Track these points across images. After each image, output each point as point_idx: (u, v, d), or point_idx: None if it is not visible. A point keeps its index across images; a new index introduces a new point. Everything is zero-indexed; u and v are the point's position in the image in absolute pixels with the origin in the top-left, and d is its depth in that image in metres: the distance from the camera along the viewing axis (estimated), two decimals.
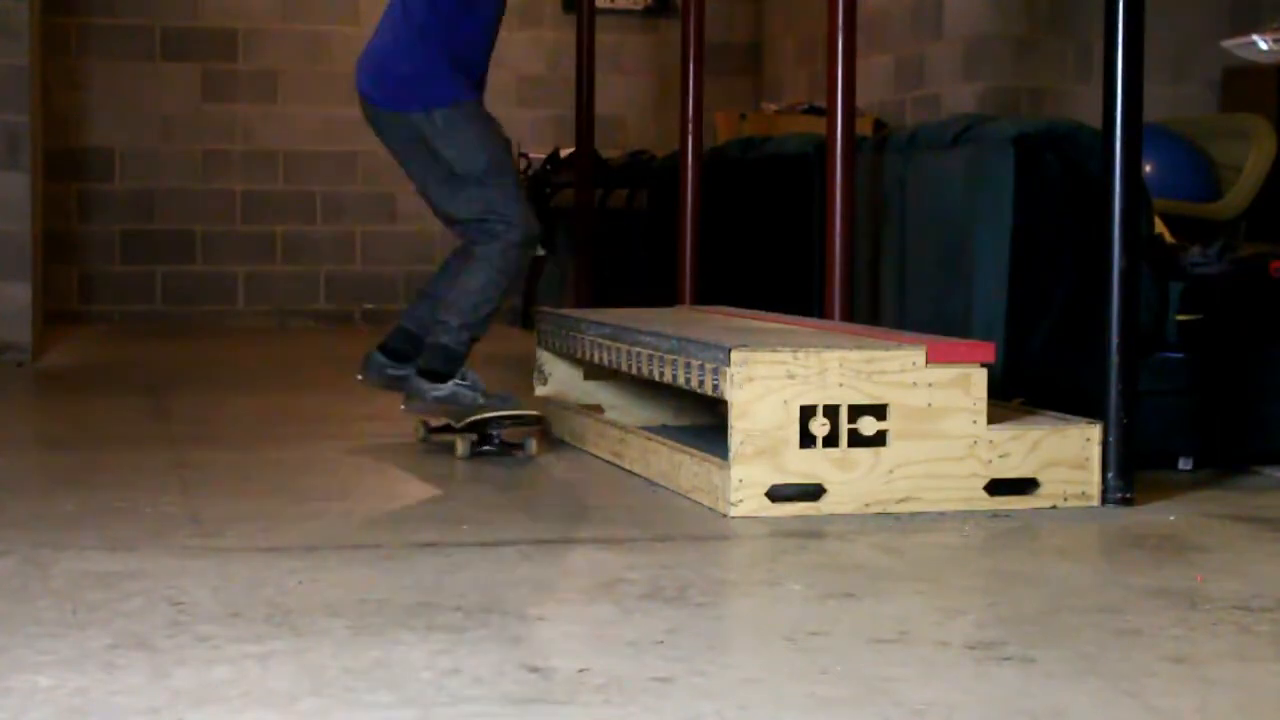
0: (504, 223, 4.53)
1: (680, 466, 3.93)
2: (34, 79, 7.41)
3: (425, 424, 4.81)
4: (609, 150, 9.17)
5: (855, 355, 3.71)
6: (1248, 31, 6.56)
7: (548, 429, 4.86)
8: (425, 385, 4.55)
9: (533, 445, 4.56)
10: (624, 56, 10.33)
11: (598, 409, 4.99)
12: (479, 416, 4.55)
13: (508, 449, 4.59)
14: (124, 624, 2.64)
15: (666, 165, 6.86)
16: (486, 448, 4.57)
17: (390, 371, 4.76)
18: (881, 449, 3.70)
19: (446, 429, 4.72)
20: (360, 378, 4.81)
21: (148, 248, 9.83)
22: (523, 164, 9.88)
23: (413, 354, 4.71)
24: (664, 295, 5.88)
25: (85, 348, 8.19)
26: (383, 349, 4.78)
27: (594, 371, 5.07)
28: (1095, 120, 4.01)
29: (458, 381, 4.56)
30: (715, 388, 3.74)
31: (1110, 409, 3.79)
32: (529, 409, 4.66)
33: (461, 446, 4.51)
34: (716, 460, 3.73)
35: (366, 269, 10.18)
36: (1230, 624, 2.72)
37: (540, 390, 5.17)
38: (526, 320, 8.46)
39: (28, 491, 4.01)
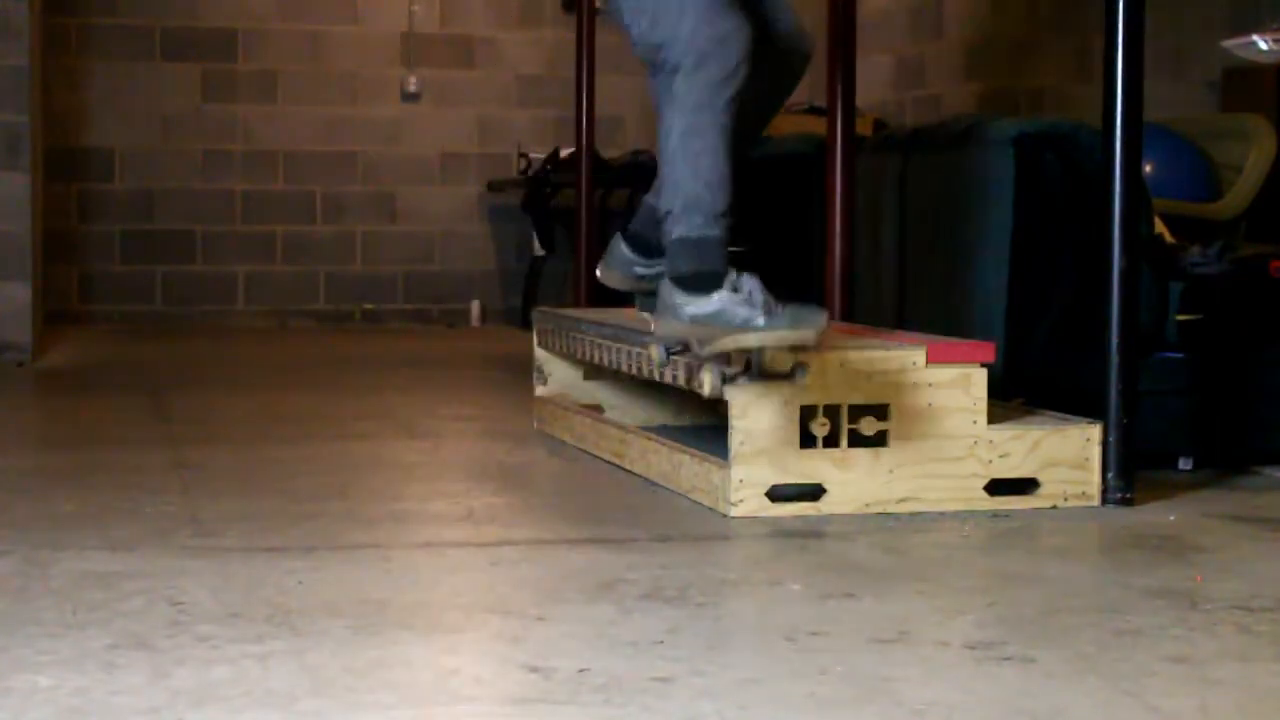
0: (670, 47, 3.42)
1: (680, 466, 3.92)
2: (34, 79, 7.41)
3: (665, 347, 3.73)
4: (609, 150, 9.17)
5: (855, 355, 3.71)
6: (1248, 31, 6.56)
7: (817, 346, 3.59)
8: (680, 298, 3.42)
9: (803, 376, 3.52)
10: (624, 56, 10.29)
11: (598, 409, 4.99)
12: (739, 346, 3.41)
13: (768, 378, 3.56)
14: (124, 624, 2.64)
15: None
16: (742, 378, 3.54)
17: (639, 270, 3.79)
18: (881, 449, 3.70)
19: (686, 349, 3.68)
20: (600, 273, 3.90)
21: (148, 248, 9.83)
22: (522, 164, 9.90)
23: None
24: None
25: (85, 348, 8.19)
26: (627, 235, 3.78)
27: (594, 371, 5.07)
28: (1095, 120, 4.01)
29: (727, 293, 3.37)
30: (715, 388, 3.74)
31: (1110, 409, 3.79)
32: (812, 326, 3.37)
33: (710, 381, 3.54)
34: (716, 460, 3.73)
35: (366, 269, 10.18)
36: (1230, 624, 2.72)
37: (540, 390, 5.17)
38: (526, 320, 8.45)
39: (28, 491, 4.01)
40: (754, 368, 3.50)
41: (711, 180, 3.38)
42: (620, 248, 3.78)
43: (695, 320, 3.38)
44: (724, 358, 3.53)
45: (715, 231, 3.39)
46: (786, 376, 3.48)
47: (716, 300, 3.35)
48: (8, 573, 3.03)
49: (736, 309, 3.34)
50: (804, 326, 3.33)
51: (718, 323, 3.36)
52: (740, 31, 3.37)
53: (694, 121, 3.37)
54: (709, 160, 3.37)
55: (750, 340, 3.34)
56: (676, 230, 3.41)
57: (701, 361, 3.54)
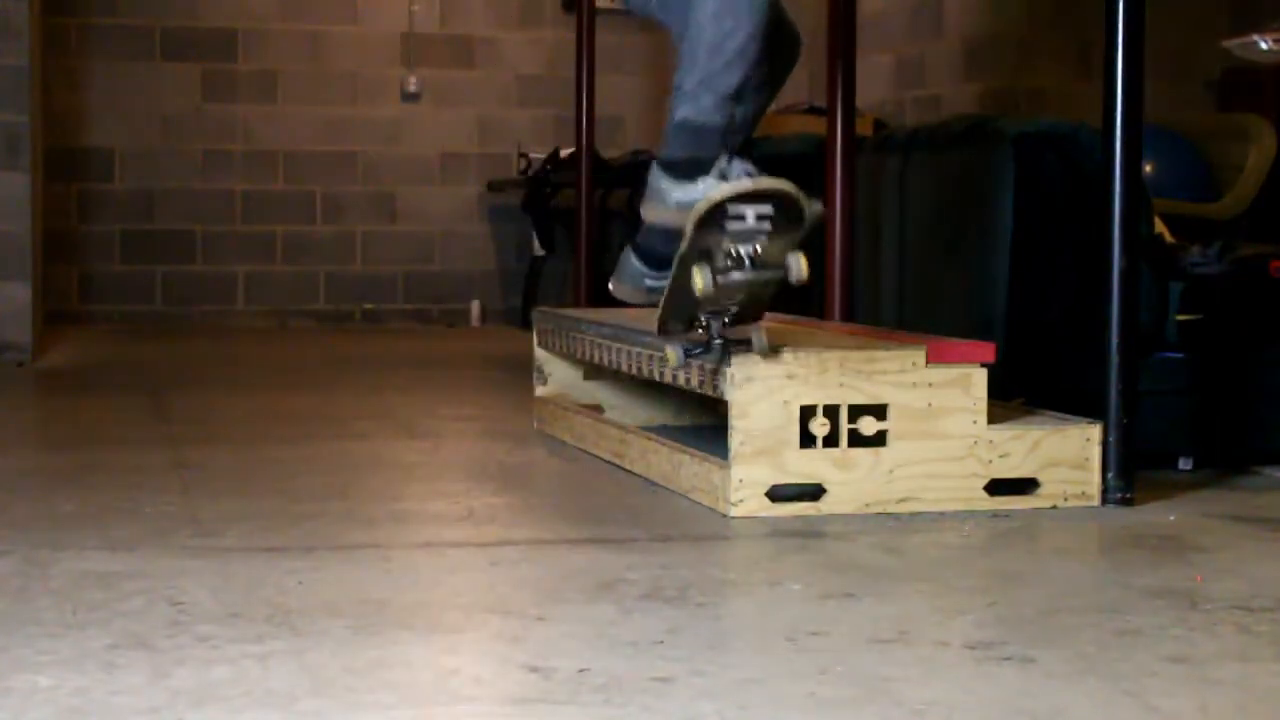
0: None
1: (680, 466, 3.92)
2: (34, 79, 7.41)
3: (685, 348, 3.42)
4: (609, 150, 9.17)
5: (855, 355, 3.71)
6: (1248, 31, 6.56)
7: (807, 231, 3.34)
8: (666, 183, 3.30)
9: (800, 264, 3.26)
10: (624, 56, 10.33)
11: (598, 409, 4.99)
12: (725, 195, 3.15)
13: (763, 273, 3.26)
14: (124, 624, 2.64)
15: None
16: (735, 275, 3.24)
17: (649, 283, 3.77)
18: (881, 449, 3.70)
19: (706, 348, 3.44)
20: (612, 286, 3.90)
21: (148, 248, 9.83)
22: (522, 164, 9.90)
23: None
24: None
25: (85, 348, 8.19)
26: (637, 247, 3.69)
27: (594, 371, 5.07)
28: (1095, 120, 4.01)
29: (715, 179, 3.26)
30: (715, 388, 3.74)
31: (1110, 409, 3.79)
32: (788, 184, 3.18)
33: (671, 353, 3.40)
34: (716, 460, 3.73)
35: (366, 269, 10.18)
36: (1230, 624, 2.72)
37: (540, 390, 5.17)
38: (526, 320, 8.45)
39: (28, 491, 4.01)
40: (748, 260, 3.22)
41: (732, 59, 3.21)
42: (631, 260, 3.71)
43: (681, 206, 3.27)
44: (687, 328, 3.40)
45: (719, 118, 3.25)
46: (780, 268, 3.26)
47: (703, 186, 3.25)
48: (8, 573, 3.03)
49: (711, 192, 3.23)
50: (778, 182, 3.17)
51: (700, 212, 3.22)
52: None
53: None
54: (737, 40, 3.21)
55: (722, 192, 3.16)
56: (681, 110, 3.28)
57: (686, 252, 3.24)
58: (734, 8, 3.21)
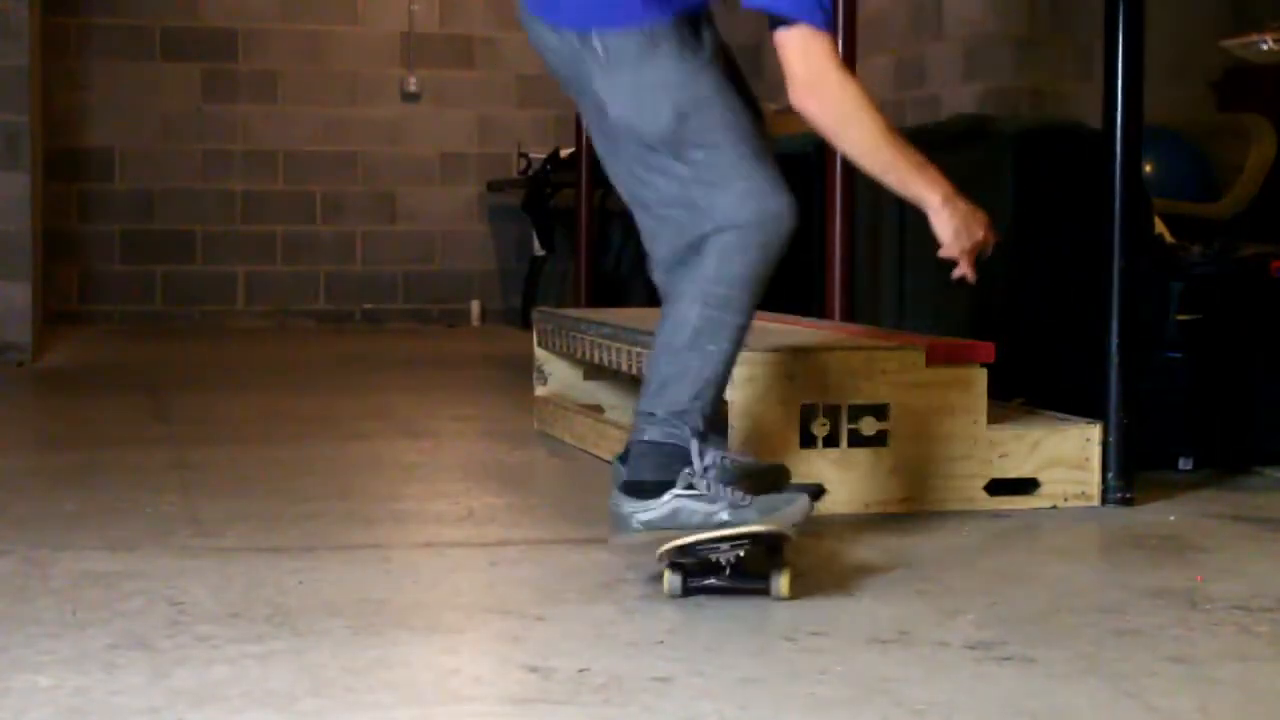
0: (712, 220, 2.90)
1: None
2: (34, 79, 7.41)
3: (681, 579, 2.93)
4: None
5: (855, 355, 3.71)
6: (1248, 31, 6.56)
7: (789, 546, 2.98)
8: (629, 506, 2.94)
9: (781, 583, 2.87)
10: None
11: (598, 409, 4.99)
12: (698, 543, 2.87)
13: (741, 582, 2.90)
14: (124, 624, 2.64)
15: None
16: (710, 581, 2.90)
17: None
18: (881, 449, 3.70)
19: (715, 567, 2.92)
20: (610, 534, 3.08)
21: (148, 248, 9.83)
22: (522, 164, 9.90)
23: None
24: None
25: (85, 348, 8.19)
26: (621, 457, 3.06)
27: (594, 371, 5.07)
28: (1095, 120, 4.01)
29: (680, 491, 2.90)
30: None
31: (1110, 409, 3.79)
32: (787, 517, 2.92)
33: (670, 581, 2.89)
34: None
35: (366, 269, 10.18)
36: (1230, 624, 2.72)
37: (540, 390, 5.17)
38: (526, 320, 8.45)
39: (28, 491, 4.01)
40: (724, 568, 2.88)
41: (715, 380, 2.94)
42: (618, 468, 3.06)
43: (649, 526, 2.90)
44: (685, 551, 2.89)
45: (694, 440, 2.92)
46: (761, 580, 2.88)
47: (669, 500, 2.89)
48: (8, 573, 3.03)
49: (694, 506, 2.89)
50: (775, 517, 2.87)
51: (673, 525, 2.89)
52: (792, 203, 2.94)
53: (716, 314, 2.91)
54: (717, 363, 2.93)
55: (709, 537, 2.85)
56: (650, 432, 2.93)
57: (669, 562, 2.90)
58: (721, 327, 2.91)
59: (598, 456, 4.51)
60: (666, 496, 2.89)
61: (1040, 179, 4.48)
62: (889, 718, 2.19)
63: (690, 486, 2.89)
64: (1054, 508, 3.78)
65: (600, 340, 4.59)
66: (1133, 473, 3.82)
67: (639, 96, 2.88)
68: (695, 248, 2.89)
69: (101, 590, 2.88)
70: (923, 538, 3.46)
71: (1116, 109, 3.80)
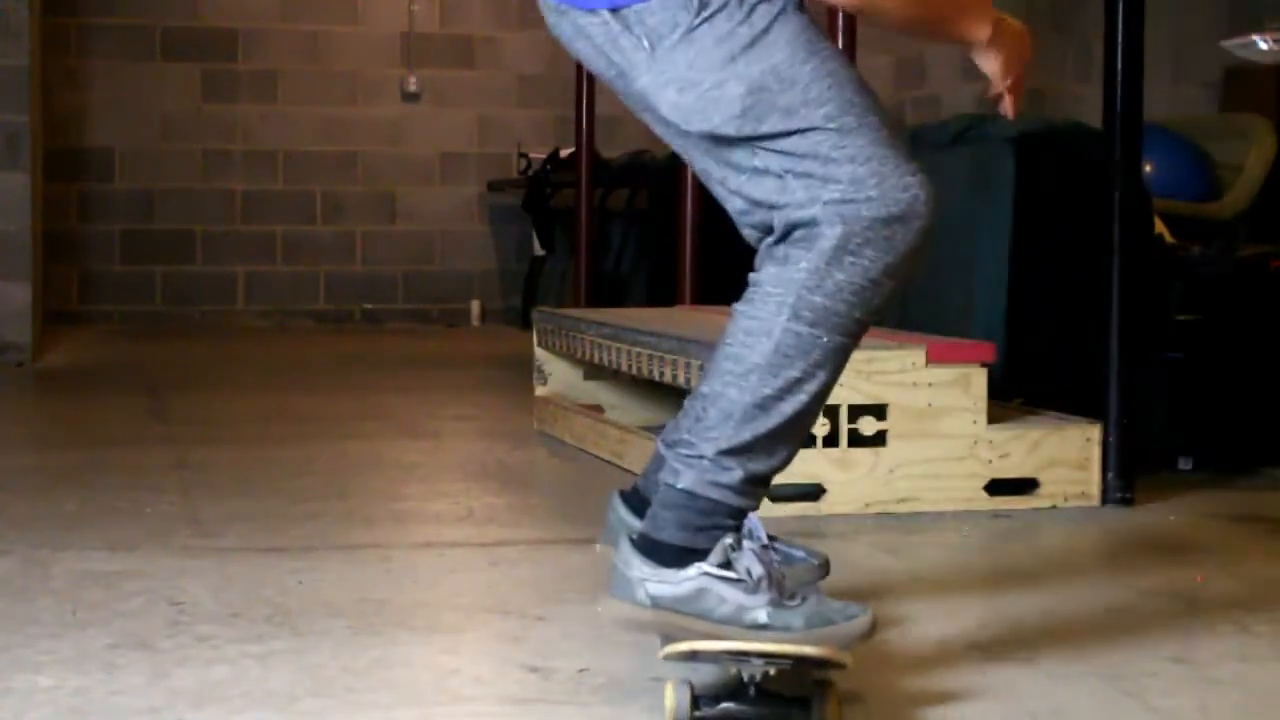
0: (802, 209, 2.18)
1: None
2: (34, 79, 7.41)
3: (689, 696, 2.16)
4: (609, 150, 9.17)
5: (855, 355, 3.69)
6: (1248, 31, 6.56)
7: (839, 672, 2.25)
8: (641, 568, 2.18)
9: (827, 711, 2.11)
10: None
11: (598, 409, 4.99)
12: (722, 652, 2.13)
13: (770, 709, 2.14)
14: (124, 624, 2.64)
15: (666, 165, 6.85)
16: (729, 706, 2.14)
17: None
18: (881, 449, 3.70)
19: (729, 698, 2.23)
20: (599, 546, 2.59)
21: (148, 248, 9.83)
22: (522, 164, 9.90)
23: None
24: (664, 295, 5.87)
25: (85, 348, 8.19)
26: (625, 496, 2.50)
27: (594, 371, 5.07)
28: (1095, 120, 4.01)
29: (711, 569, 2.15)
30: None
31: (1110, 409, 3.79)
32: (845, 634, 2.17)
33: (675, 700, 2.12)
34: None
35: (366, 269, 10.18)
36: (1230, 624, 2.72)
37: (540, 390, 5.17)
38: (526, 320, 8.46)
39: (28, 491, 4.01)
40: (750, 689, 2.14)
41: (796, 432, 2.24)
42: (618, 509, 2.50)
43: (658, 603, 2.15)
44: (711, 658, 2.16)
45: (743, 501, 2.20)
46: (801, 706, 2.12)
47: (695, 576, 2.14)
48: (8, 573, 3.03)
49: (724, 592, 2.14)
50: (828, 633, 2.14)
51: (691, 610, 2.14)
52: (928, 187, 2.27)
53: (808, 332, 2.18)
54: (804, 410, 2.21)
55: (740, 648, 2.11)
56: (687, 476, 2.18)
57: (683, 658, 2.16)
58: (811, 355, 2.18)
59: (598, 456, 4.51)
60: (692, 571, 2.14)
61: (1040, 179, 4.47)
62: (889, 717, 2.19)
63: (727, 564, 2.14)
64: (1054, 508, 3.77)
65: (600, 340, 4.59)
66: (1133, 473, 3.82)
67: (694, 81, 2.14)
68: (792, 238, 2.19)
69: (101, 590, 2.88)
70: (923, 538, 3.46)
71: (1116, 109, 3.80)
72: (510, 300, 10.21)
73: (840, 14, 4.74)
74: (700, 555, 2.15)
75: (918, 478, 3.71)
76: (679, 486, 2.18)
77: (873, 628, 2.19)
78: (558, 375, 5.18)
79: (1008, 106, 2.42)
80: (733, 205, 2.27)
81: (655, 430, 4.48)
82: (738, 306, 2.25)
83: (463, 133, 10.29)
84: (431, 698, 2.27)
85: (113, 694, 2.26)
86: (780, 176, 2.17)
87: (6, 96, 7.18)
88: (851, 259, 2.15)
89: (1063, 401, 4.09)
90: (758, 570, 2.14)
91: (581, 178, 6.99)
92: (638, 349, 4.30)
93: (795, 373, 2.17)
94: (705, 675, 2.22)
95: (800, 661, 2.10)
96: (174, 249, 9.88)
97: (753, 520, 2.20)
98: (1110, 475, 3.80)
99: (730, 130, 2.16)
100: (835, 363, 2.21)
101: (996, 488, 3.76)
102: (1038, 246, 4.48)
